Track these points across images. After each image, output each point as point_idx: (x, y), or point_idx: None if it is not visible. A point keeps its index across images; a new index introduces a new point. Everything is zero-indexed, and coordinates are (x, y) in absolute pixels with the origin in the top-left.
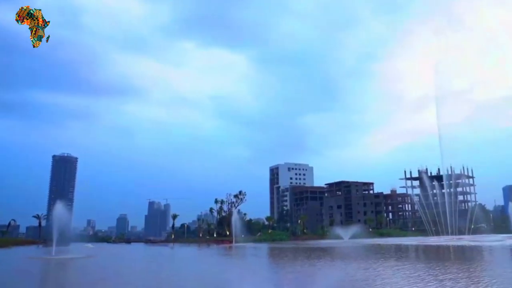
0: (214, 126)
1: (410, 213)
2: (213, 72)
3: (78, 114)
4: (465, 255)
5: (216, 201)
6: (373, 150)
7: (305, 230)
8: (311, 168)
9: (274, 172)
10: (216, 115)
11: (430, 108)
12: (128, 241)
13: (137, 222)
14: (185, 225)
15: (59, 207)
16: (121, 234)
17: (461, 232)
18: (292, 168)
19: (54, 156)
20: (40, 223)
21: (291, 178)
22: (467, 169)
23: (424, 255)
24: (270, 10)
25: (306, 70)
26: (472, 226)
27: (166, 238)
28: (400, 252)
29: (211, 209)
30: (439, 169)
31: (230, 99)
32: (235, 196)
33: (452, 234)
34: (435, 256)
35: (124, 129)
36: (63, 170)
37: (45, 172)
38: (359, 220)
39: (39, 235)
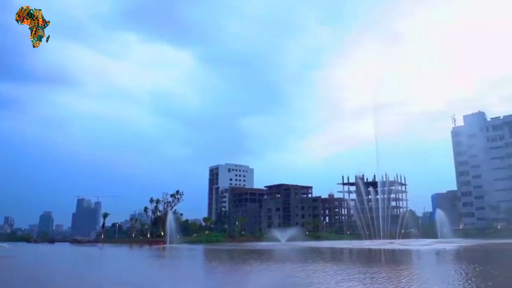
0: (152, 123)
1: (346, 217)
2: (155, 68)
3: (1, 102)
4: (406, 258)
5: (151, 200)
6: (313, 155)
7: (243, 232)
8: (252, 170)
9: (214, 173)
10: (155, 112)
11: (368, 117)
12: (52, 240)
13: (63, 221)
14: (117, 224)
15: None
16: (44, 233)
17: (392, 237)
18: (232, 169)
19: None
20: None
21: (230, 179)
22: (400, 176)
23: (368, 258)
24: (217, 10)
25: (250, 72)
26: (403, 231)
27: (95, 238)
28: (341, 254)
29: (145, 209)
30: (374, 176)
31: (171, 97)
32: (172, 195)
33: (384, 238)
34: (378, 259)
35: (55, 120)
36: None
37: None
38: (296, 223)
39: None
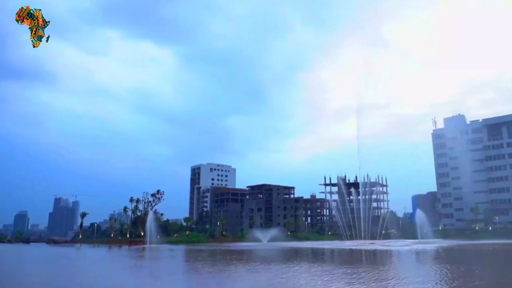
0: (133, 121)
1: (328, 217)
2: (137, 65)
3: None
4: (390, 259)
5: (131, 200)
6: (296, 155)
7: (224, 232)
8: (234, 170)
9: (196, 172)
10: (136, 110)
11: (351, 118)
12: (27, 240)
13: (39, 220)
14: (95, 224)
15: None
16: (19, 233)
17: (373, 237)
18: (215, 169)
19: None
20: None
21: (212, 179)
22: (382, 177)
23: (352, 259)
24: (201, 8)
25: (233, 72)
26: (383, 232)
27: (72, 238)
28: (325, 255)
29: (125, 208)
30: (356, 177)
31: (153, 95)
32: (153, 195)
33: (365, 238)
34: (362, 259)
35: (32, 117)
36: None
37: None
38: (278, 223)
39: None
